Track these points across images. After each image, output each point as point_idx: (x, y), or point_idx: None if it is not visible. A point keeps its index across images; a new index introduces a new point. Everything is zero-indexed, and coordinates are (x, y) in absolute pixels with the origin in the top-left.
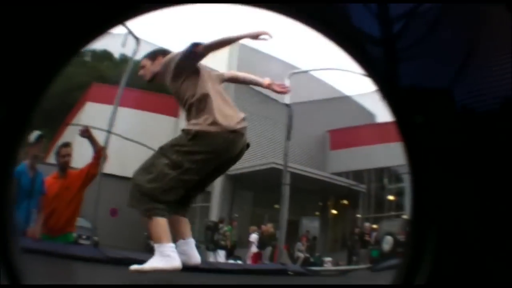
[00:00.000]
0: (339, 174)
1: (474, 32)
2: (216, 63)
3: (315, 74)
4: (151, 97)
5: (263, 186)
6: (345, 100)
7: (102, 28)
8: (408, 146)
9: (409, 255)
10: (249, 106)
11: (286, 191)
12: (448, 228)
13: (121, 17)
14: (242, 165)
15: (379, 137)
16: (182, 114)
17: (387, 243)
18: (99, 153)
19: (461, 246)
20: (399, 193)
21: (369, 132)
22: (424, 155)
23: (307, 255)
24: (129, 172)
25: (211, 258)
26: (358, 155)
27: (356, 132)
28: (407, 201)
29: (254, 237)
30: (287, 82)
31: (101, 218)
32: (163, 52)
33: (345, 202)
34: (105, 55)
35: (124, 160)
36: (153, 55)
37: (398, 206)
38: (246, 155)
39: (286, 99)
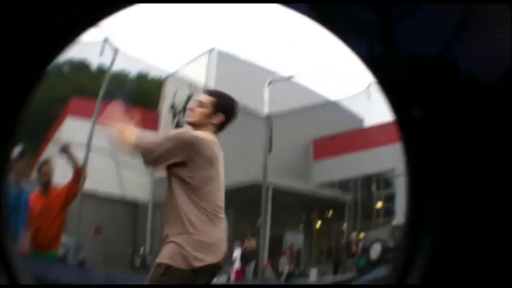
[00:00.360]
0: (323, 185)
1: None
2: (194, 71)
3: (298, 79)
4: (130, 111)
5: (244, 202)
6: (330, 106)
7: (83, 25)
8: (407, 141)
9: (403, 256)
10: None
11: (267, 206)
12: (443, 229)
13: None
14: None
15: (366, 143)
16: (162, 128)
17: (375, 251)
18: (79, 172)
19: (455, 246)
20: (388, 199)
21: (354, 138)
22: (422, 154)
23: (292, 269)
24: (109, 190)
25: None
26: (343, 163)
27: (340, 139)
28: (397, 207)
29: (237, 253)
30: (266, 91)
31: (86, 236)
32: (230, 115)
33: (330, 213)
34: (82, 66)
35: (104, 178)
36: (221, 108)
37: (386, 212)
38: (226, 170)
39: (265, 109)
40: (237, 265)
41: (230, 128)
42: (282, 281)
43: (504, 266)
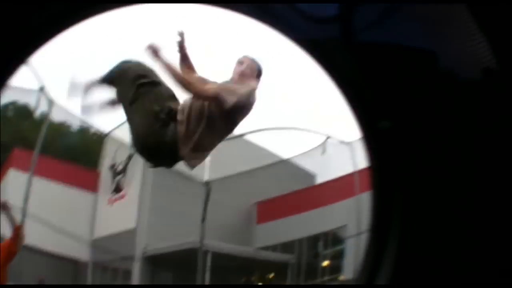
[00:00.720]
0: (266, 248)
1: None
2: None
3: (248, 137)
4: (68, 168)
5: (182, 266)
6: (281, 165)
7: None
8: (372, 145)
9: (371, 257)
10: (166, 183)
11: (204, 270)
12: (409, 230)
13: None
14: (160, 246)
15: (315, 201)
16: (102, 190)
17: None
18: (17, 231)
19: (421, 247)
20: (335, 257)
21: (304, 197)
22: (389, 159)
23: None
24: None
25: None
26: (289, 225)
27: (287, 200)
28: (345, 263)
29: None
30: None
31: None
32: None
33: (272, 275)
34: (25, 112)
35: (44, 234)
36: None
37: (333, 269)
38: (164, 234)
39: (206, 175)
40: None
41: (170, 192)
42: None
43: (467, 267)
